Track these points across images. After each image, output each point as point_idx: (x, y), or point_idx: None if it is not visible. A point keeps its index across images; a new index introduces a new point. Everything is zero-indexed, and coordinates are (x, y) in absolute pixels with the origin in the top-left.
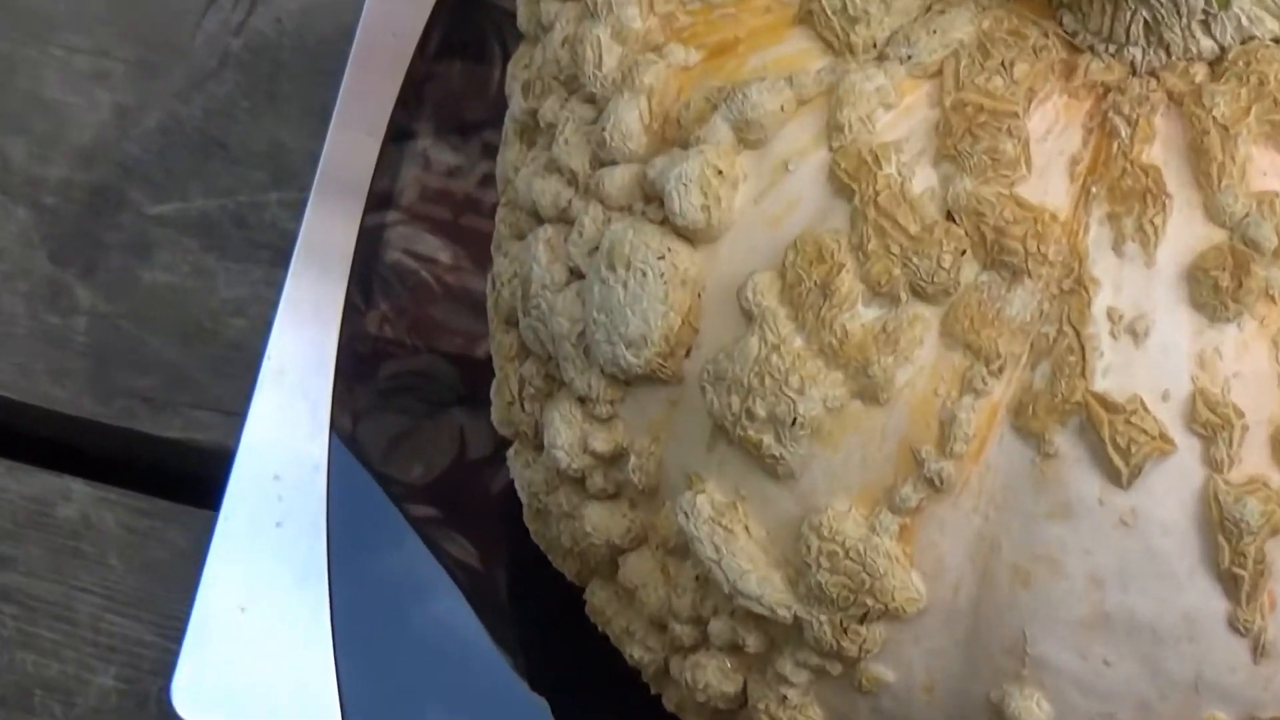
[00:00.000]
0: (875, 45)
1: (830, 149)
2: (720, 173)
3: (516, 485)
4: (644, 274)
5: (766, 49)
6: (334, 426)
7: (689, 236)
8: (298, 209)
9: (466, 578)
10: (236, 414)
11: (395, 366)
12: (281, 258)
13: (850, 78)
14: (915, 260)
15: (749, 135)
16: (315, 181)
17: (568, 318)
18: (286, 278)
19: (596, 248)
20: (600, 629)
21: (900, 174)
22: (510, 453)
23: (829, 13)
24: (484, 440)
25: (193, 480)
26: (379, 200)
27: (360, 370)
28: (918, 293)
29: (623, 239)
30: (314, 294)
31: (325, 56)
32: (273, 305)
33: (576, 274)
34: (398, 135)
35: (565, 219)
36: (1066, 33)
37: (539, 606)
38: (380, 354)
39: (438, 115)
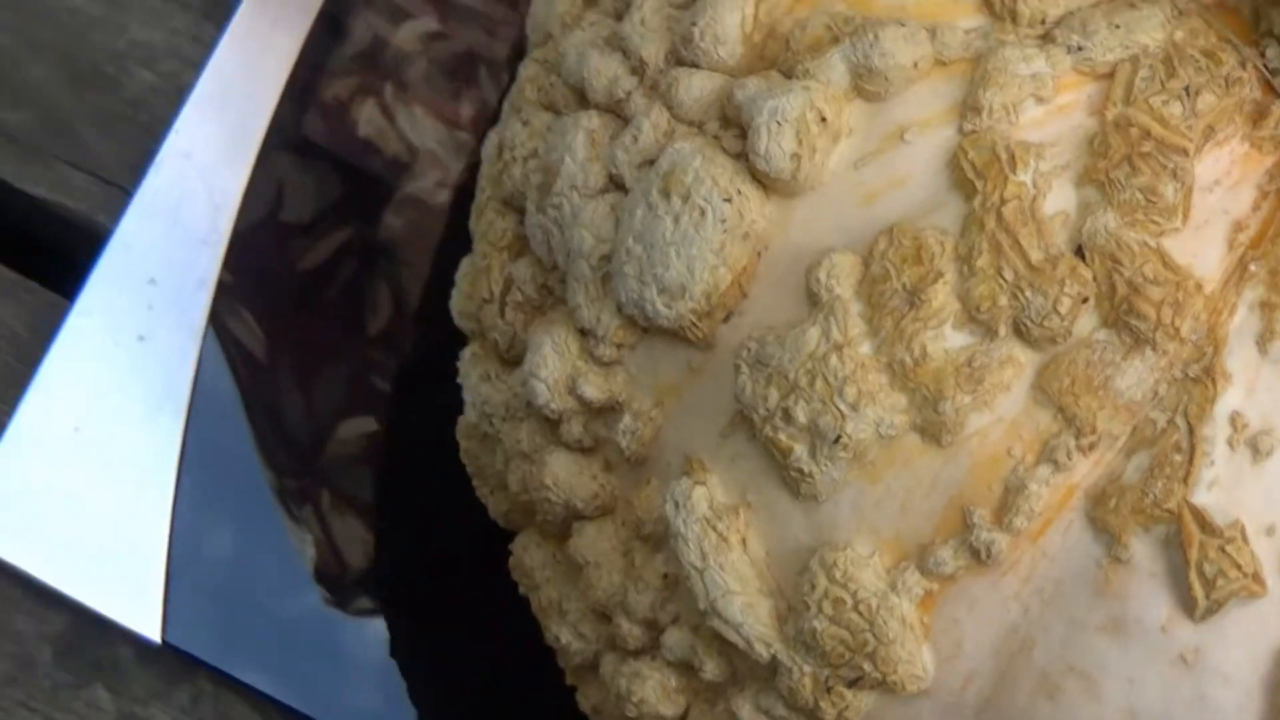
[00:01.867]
0: (1044, 21)
1: (960, 130)
2: (824, 120)
3: (465, 393)
4: (702, 213)
5: None
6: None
7: (766, 183)
8: None
9: (246, 372)
10: (121, 189)
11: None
12: (218, 7)
13: (1004, 52)
14: (1028, 294)
15: (868, 85)
16: None
17: (594, 234)
18: (223, 36)
19: (652, 162)
20: (519, 587)
21: (1035, 185)
22: (465, 353)
23: None
24: (307, 199)
25: (49, 253)
26: None
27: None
28: (1020, 332)
29: (686, 164)
30: (252, 64)
31: None
32: (195, 67)
33: (618, 184)
34: None
35: (619, 112)
36: (1268, 69)
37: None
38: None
39: None
